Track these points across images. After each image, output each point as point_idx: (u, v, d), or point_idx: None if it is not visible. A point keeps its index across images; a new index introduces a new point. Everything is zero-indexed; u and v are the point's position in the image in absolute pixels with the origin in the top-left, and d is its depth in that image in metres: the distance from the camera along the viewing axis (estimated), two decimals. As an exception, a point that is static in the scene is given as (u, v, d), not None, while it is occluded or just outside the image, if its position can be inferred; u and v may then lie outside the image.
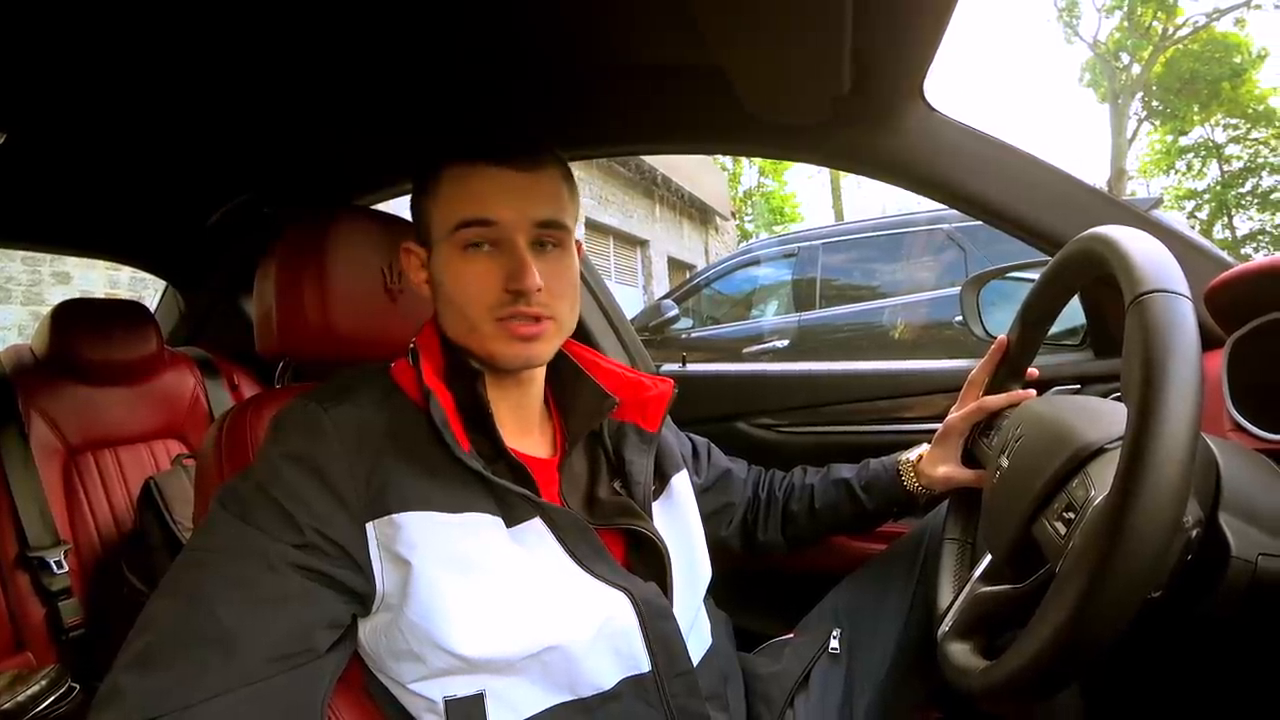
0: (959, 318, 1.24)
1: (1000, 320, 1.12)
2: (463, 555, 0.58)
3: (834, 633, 0.84)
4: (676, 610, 0.67)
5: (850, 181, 16.23)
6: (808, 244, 4.21)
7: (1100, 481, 0.52)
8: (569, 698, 0.60)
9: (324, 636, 0.55)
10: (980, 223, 0.95)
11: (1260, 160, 16.09)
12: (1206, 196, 16.97)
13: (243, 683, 0.49)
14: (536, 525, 0.63)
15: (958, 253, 3.52)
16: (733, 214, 14.84)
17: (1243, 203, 16.53)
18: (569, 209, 0.68)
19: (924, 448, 0.87)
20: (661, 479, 0.77)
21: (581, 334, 1.37)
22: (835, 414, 1.21)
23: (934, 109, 0.88)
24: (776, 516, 0.91)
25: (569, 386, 0.76)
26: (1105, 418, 0.59)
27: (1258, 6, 14.81)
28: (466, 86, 0.95)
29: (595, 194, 8.40)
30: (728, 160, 14.55)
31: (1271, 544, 0.48)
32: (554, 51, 0.88)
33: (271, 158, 1.19)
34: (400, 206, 0.89)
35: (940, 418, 0.86)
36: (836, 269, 4.08)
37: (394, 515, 0.57)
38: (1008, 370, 0.82)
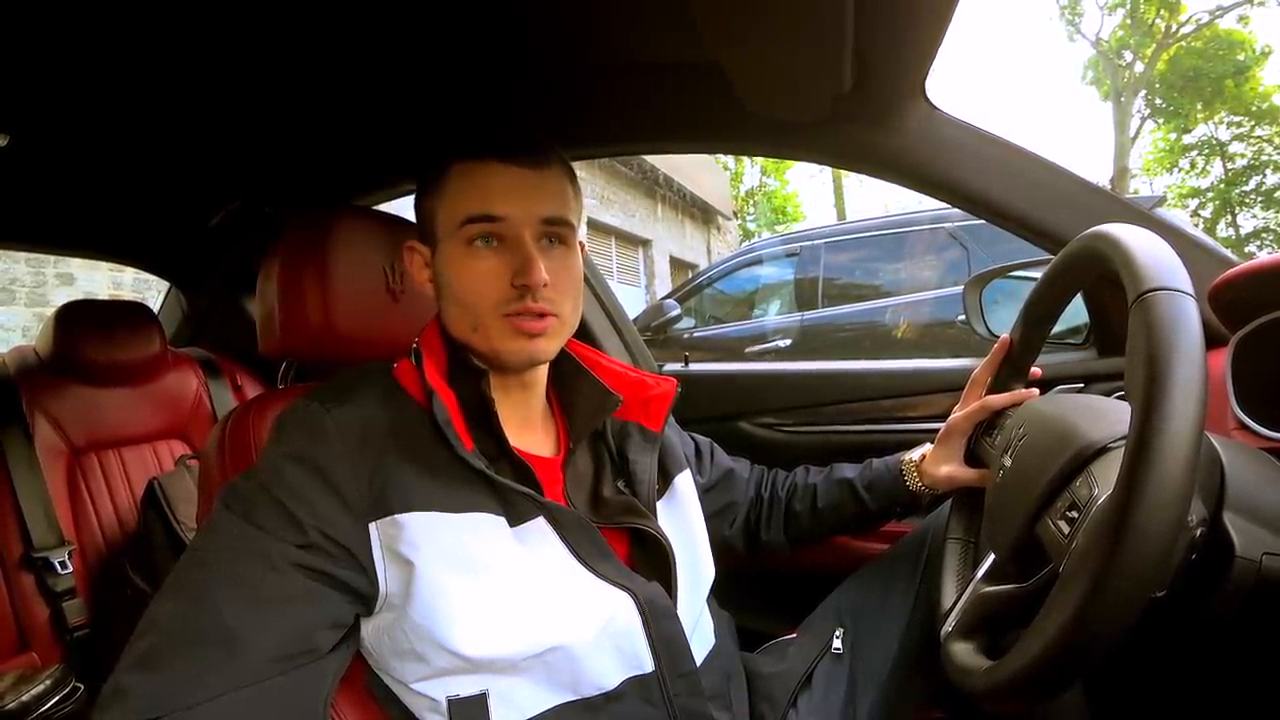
0: (962, 317, 1.24)
1: (1003, 319, 1.11)
2: (466, 555, 0.58)
3: (837, 632, 0.83)
4: (680, 610, 0.67)
5: (852, 180, 16.22)
6: (810, 243, 4.19)
7: (1104, 480, 0.52)
8: (572, 697, 0.60)
9: (327, 636, 0.55)
10: (983, 221, 0.94)
11: (1264, 158, 16.02)
12: (1210, 194, 16.90)
13: (246, 683, 0.49)
14: (540, 524, 0.63)
15: (960, 251, 3.51)
16: (735, 213, 14.82)
17: (1246, 201, 16.46)
18: (574, 207, 0.68)
19: (927, 447, 0.87)
20: (665, 478, 0.77)
21: (584, 334, 1.37)
22: (838, 413, 1.21)
23: (936, 107, 0.87)
24: (779, 516, 0.91)
25: (571, 385, 0.76)
26: (1109, 416, 0.59)
27: (1261, 3, 14.74)
28: (467, 87, 0.95)
29: (597, 194, 8.39)
30: (730, 160, 14.53)
31: (1276, 543, 0.48)
32: (554, 51, 0.88)
33: (272, 158, 1.19)
34: (400, 207, 0.89)
35: (943, 417, 0.86)
36: (839, 268, 4.07)
37: (396, 515, 0.57)
38: (1011, 369, 0.81)
